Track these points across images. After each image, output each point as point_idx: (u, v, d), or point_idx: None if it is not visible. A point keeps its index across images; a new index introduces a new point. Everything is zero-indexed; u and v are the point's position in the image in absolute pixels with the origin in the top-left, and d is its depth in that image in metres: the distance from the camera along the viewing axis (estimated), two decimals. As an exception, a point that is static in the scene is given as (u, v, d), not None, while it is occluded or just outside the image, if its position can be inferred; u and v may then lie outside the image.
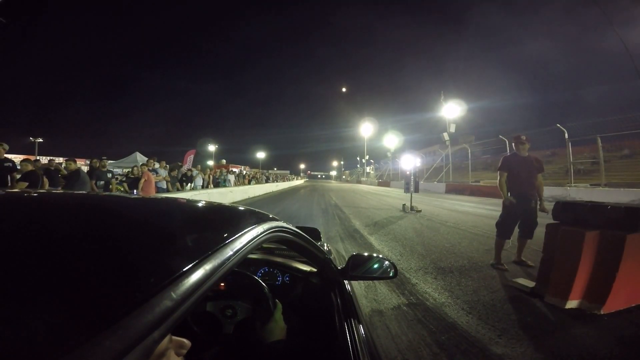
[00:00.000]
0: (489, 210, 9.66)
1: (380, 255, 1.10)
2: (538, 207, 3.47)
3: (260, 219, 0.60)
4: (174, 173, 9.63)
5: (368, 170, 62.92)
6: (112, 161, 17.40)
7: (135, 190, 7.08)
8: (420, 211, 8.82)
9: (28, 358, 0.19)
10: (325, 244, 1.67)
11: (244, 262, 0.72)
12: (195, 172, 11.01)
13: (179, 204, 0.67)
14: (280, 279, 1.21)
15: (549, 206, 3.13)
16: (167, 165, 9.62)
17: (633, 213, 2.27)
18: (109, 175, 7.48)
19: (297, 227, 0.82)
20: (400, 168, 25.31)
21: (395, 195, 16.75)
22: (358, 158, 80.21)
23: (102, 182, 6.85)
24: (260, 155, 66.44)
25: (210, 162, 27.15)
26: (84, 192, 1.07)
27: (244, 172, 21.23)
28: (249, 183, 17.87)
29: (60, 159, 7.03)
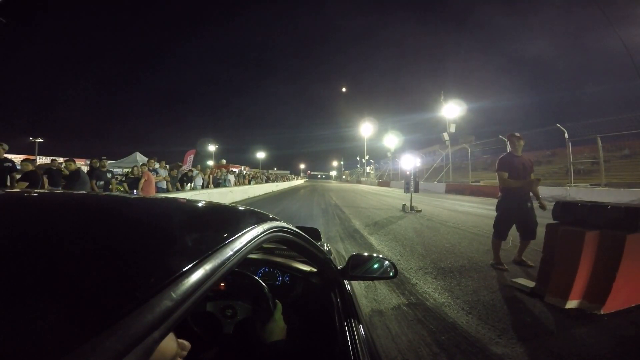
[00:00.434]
0: (489, 210, 9.65)
1: (380, 255, 1.10)
2: (538, 204, 3.45)
3: (260, 219, 0.60)
4: (174, 173, 9.63)
5: (368, 170, 62.95)
6: (112, 161, 17.40)
7: (135, 190, 7.08)
8: (420, 211, 8.82)
9: (28, 358, 0.19)
10: (325, 244, 1.67)
11: (244, 262, 0.72)
12: (195, 172, 11.01)
13: (179, 204, 0.67)
14: (280, 279, 1.21)
15: (549, 206, 3.13)
16: (167, 165, 9.62)
17: (633, 213, 2.27)
18: (109, 175, 7.48)
19: (297, 227, 0.82)
20: (400, 168, 25.32)
21: (395, 195, 16.75)
22: (358, 158, 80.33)
23: (102, 182, 6.85)
24: (260, 155, 66.50)
25: (210, 162, 27.13)
26: (84, 192, 1.07)
27: (244, 172, 21.23)
28: (249, 183, 17.87)
29: (60, 159, 7.04)
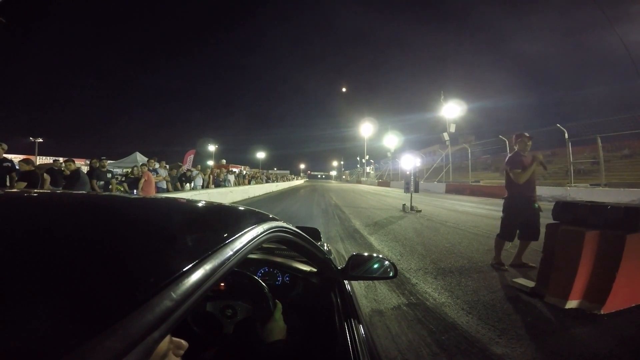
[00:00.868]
0: (489, 210, 9.65)
1: (380, 255, 1.10)
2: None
3: (260, 219, 0.60)
4: (173, 173, 9.63)
5: (368, 170, 62.97)
6: (112, 161, 17.39)
7: (135, 190, 7.08)
8: (420, 211, 8.82)
9: (28, 358, 0.19)
10: (325, 244, 1.67)
11: (244, 262, 0.71)
12: (195, 172, 11.01)
13: (179, 204, 0.67)
14: (280, 279, 1.21)
15: (549, 206, 3.13)
16: (167, 165, 9.62)
17: (633, 213, 2.27)
18: (109, 175, 7.49)
19: (297, 227, 0.82)
20: (400, 168, 25.31)
21: (395, 195, 16.75)
22: (358, 158, 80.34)
23: (102, 182, 6.85)
24: (260, 155, 66.47)
25: (210, 162, 27.13)
26: (83, 192, 1.07)
27: (244, 172, 21.23)
28: (249, 183, 17.87)
29: (61, 159, 7.06)
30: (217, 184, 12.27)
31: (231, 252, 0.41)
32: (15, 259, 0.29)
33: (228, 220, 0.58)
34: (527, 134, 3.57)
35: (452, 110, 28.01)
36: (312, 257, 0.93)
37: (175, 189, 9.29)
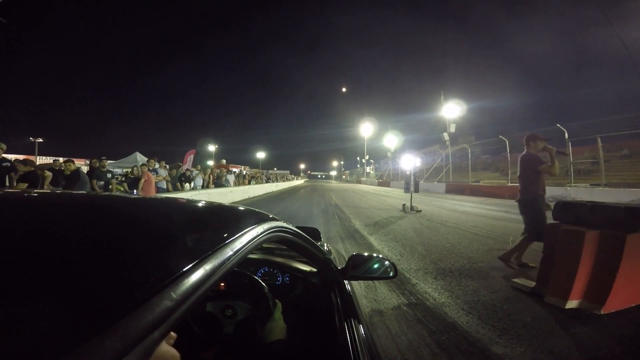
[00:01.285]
0: (489, 210, 9.65)
1: (380, 255, 1.10)
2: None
3: (260, 219, 0.60)
4: (173, 173, 9.63)
5: (368, 170, 62.93)
6: (112, 161, 17.39)
7: (135, 190, 7.08)
8: (420, 211, 8.82)
9: (28, 358, 0.19)
10: (325, 244, 1.67)
11: (244, 262, 0.71)
12: (195, 172, 11.00)
13: (179, 204, 0.67)
14: (280, 279, 1.21)
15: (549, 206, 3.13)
16: (167, 165, 9.62)
17: (633, 213, 2.27)
18: (109, 175, 7.48)
19: (297, 227, 0.82)
20: (400, 168, 25.32)
21: (395, 195, 16.75)
22: (358, 158, 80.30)
23: (102, 182, 6.85)
24: (260, 155, 66.46)
25: (210, 162, 27.12)
26: (83, 192, 1.07)
27: (244, 172, 21.23)
28: (249, 183, 17.87)
29: (61, 159, 7.07)
30: (219, 185, 12.27)
31: (231, 252, 0.41)
32: (15, 259, 0.29)
33: (228, 220, 0.58)
34: (540, 135, 3.54)
35: (452, 110, 28.01)
36: (312, 257, 0.93)
37: (175, 189, 9.29)
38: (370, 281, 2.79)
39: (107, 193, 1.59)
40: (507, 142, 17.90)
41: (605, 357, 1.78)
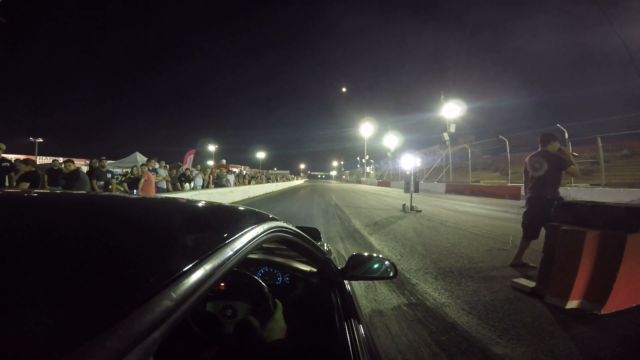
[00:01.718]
0: (489, 210, 9.65)
1: (380, 256, 1.10)
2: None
3: (260, 219, 0.60)
4: (173, 173, 9.63)
5: (368, 170, 62.95)
6: (112, 161, 17.38)
7: (135, 190, 7.08)
8: (420, 211, 8.82)
9: (28, 358, 0.19)
10: (325, 244, 1.67)
11: (244, 262, 0.71)
12: (195, 172, 11.00)
13: (179, 204, 0.67)
14: (280, 279, 1.21)
15: None
16: (167, 165, 9.62)
17: (633, 213, 2.27)
18: (109, 175, 7.48)
19: (297, 227, 0.82)
20: (400, 168, 25.30)
21: (395, 195, 16.75)
22: (358, 158, 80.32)
23: (102, 182, 6.85)
24: (260, 155, 66.49)
25: (210, 162, 27.12)
26: (83, 192, 1.07)
27: (244, 172, 21.23)
28: (249, 183, 17.87)
29: (60, 159, 7.08)
30: (219, 185, 12.27)
31: (231, 252, 0.41)
32: (15, 259, 0.29)
33: (228, 220, 0.58)
34: (556, 135, 3.53)
35: (452, 110, 28.02)
36: (312, 257, 0.93)
37: (175, 189, 9.29)
38: (370, 281, 2.79)
39: (107, 193, 1.59)
40: (507, 142, 17.91)
41: (606, 357, 1.78)
